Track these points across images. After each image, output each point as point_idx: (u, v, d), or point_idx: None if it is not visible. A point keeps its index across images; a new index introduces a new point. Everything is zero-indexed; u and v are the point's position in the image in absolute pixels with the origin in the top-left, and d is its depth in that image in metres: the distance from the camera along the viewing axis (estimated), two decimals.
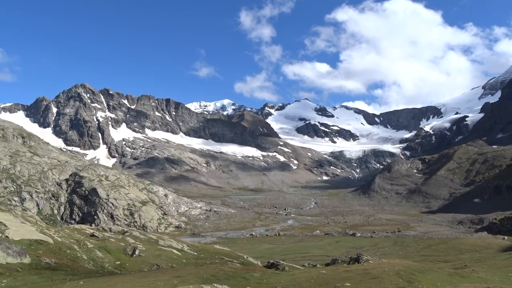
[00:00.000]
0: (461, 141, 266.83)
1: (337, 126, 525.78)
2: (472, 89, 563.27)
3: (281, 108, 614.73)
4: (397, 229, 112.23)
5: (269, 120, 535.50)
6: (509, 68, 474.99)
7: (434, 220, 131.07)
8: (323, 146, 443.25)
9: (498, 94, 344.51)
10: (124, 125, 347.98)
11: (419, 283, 27.11)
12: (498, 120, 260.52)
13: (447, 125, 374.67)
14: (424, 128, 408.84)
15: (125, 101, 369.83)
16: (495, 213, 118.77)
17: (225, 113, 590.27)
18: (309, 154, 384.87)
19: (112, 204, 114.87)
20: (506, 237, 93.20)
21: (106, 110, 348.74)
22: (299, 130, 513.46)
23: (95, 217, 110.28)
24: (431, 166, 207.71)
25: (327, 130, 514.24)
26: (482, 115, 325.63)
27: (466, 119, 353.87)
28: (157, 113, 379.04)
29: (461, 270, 33.87)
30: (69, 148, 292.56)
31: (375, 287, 25.55)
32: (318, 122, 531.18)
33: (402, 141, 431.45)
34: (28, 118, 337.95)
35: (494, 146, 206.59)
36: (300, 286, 28.43)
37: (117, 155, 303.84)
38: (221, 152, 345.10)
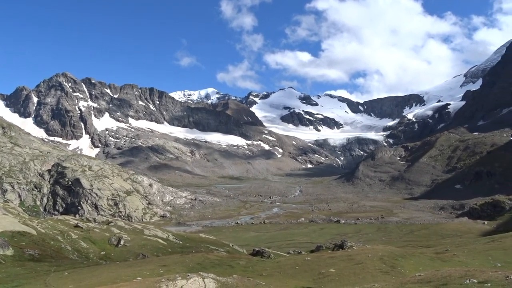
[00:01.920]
0: (443, 129, 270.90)
1: (321, 114, 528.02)
2: (454, 77, 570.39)
3: (266, 96, 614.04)
4: (380, 216, 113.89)
5: (254, 108, 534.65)
6: (490, 56, 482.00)
7: (417, 206, 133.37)
8: (307, 134, 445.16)
9: (480, 82, 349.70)
10: (107, 114, 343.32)
11: (401, 267, 27.62)
12: (479, 107, 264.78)
13: (430, 112, 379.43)
14: (407, 116, 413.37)
15: (108, 90, 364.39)
16: (475, 198, 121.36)
17: (209, 102, 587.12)
18: (293, 142, 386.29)
19: (96, 194, 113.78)
20: (486, 222, 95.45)
21: (89, 100, 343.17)
22: (284, 119, 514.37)
23: (79, 207, 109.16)
24: (414, 154, 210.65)
25: (312, 119, 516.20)
26: (463, 102, 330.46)
27: (448, 106, 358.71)
28: (140, 102, 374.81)
29: (443, 255, 34.60)
30: (51, 138, 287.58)
31: (359, 273, 25.95)
32: (303, 111, 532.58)
33: (385, 129, 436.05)
34: (8, 108, 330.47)
35: (475, 133, 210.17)
36: (285, 273, 28.71)
37: (100, 145, 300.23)
38: (205, 141, 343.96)
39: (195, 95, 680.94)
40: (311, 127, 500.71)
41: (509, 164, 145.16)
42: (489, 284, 13.46)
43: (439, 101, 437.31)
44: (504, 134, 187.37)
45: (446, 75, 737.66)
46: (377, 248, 36.21)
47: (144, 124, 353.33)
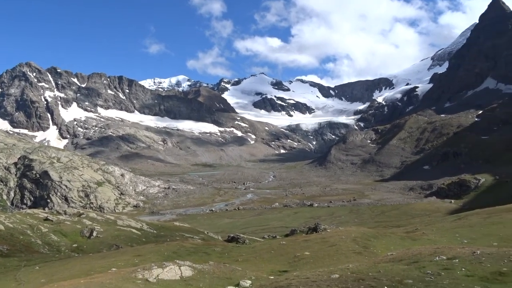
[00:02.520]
0: (412, 111, 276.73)
1: (293, 100, 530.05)
2: (422, 60, 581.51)
3: (237, 83, 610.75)
4: (352, 198, 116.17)
5: (226, 95, 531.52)
6: (456, 39, 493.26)
7: (387, 187, 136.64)
8: (280, 120, 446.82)
9: (446, 65, 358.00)
10: (74, 104, 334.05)
11: (374, 247, 28.32)
12: (446, 90, 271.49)
13: (399, 96, 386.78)
14: (377, 100, 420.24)
15: (75, 80, 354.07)
16: (443, 178, 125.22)
17: (180, 89, 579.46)
18: (266, 128, 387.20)
19: (66, 186, 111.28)
20: (453, 201, 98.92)
21: (55, 90, 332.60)
22: (256, 105, 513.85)
23: (48, 200, 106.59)
24: (384, 136, 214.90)
25: (284, 104, 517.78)
26: (431, 85, 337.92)
27: (416, 89, 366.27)
28: (109, 91, 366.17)
29: (412, 234, 35.64)
30: (16, 130, 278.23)
31: (333, 254, 26.45)
32: (275, 96, 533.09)
33: (356, 112, 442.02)
34: None
35: (442, 115, 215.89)
36: (261, 257, 28.98)
37: (68, 136, 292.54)
38: (177, 129, 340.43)
39: (166, 83, 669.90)
40: (283, 112, 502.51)
41: (474, 145, 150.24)
42: (457, 260, 13.95)
43: (407, 84, 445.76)
44: (469, 116, 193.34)
45: (414, 59, 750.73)
46: (350, 229, 36.96)
47: (114, 113, 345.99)
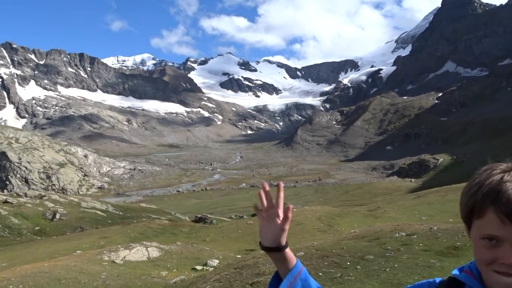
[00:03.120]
0: (376, 93, 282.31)
1: (260, 80, 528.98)
2: (386, 43, 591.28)
3: (204, 62, 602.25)
4: (318, 178, 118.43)
5: (192, 75, 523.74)
6: (419, 22, 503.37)
7: (352, 167, 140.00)
8: (247, 100, 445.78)
9: (409, 48, 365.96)
10: (33, 82, 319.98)
11: (338, 226, 29.18)
12: (409, 72, 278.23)
13: (363, 78, 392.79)
14: (343, 81, 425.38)
15: (32, 56, 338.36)
16: (404, 158, 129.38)
17: (145, 68, 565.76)
18: (233, 108, 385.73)
19: (26, 168, 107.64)
20: (413, 180, 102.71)
21: (11, 66, 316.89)
22: (223, 85, 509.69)
23: (7, 182, 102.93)
24: (349, 118, 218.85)
25: (251, 85, 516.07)
26: (394, 68, 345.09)
27: (381, 72, 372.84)
28: (70, 69, 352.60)
29: (375, 212, 36.87)
30: None
31: (299, 233, 27.09)
32: (242, 77, 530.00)
33: (322, 94, 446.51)
34: None
35: (404, 97, 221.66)
36: (228, 237, 29.34)
37: (27, 115, 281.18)
38: (142, 109, 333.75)
39: (130, 61, 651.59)
40: (251, 93, 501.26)
41: (434, 126, 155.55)
42: (415, 236, 14.65)
43: (372, 66, 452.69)
44: (430, 98, 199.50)
45: (379, 41, 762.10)
46: (315, 209, 37.85)
47: (75, 92, 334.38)
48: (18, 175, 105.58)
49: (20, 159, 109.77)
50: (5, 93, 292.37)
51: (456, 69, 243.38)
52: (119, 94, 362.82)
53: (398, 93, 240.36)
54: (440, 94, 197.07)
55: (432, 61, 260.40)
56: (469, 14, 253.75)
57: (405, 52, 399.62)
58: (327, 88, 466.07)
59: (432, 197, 43.44)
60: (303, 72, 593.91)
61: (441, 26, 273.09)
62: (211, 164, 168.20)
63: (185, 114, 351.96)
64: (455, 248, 12.31)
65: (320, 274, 10.45)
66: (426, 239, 14.05)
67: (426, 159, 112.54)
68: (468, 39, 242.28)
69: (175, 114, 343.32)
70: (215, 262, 18.97)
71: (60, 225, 46.64)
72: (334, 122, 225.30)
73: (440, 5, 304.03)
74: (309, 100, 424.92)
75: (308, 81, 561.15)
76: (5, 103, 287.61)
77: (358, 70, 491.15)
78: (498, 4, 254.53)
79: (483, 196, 1.46)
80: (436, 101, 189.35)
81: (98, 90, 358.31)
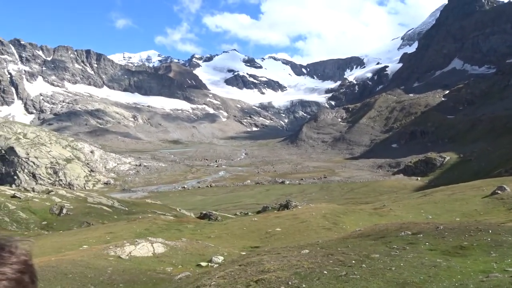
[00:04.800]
0: (382, 90, 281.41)
1: (265, 77, 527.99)
2: (392, 39, 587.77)
3: (209, 59, 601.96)
4: (323, 176, 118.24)
5: (197, 71, 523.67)
6: (426, 19, 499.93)
7: (357, 165, 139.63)
8: (252, 97, 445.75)
9: (416, 45, 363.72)
10: (40, 78, 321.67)
11: (343, 224, 29.15)
12: (415, 69, 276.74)
13: (369, 75, 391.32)
14: (348, 78, 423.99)
15: (40, 52, 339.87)
16: (410, 156, 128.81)
17: (150, 65, 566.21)
18: (238, 105, 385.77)
19: (33, 163, 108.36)
20: (419, 178, 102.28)
21: (19, 63, 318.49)
22: (228, 82, 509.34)
23: (15, 177, 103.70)
24: (354, 115, 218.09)
25: (256, 81, 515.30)
26: (400, 65, 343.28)
27: (386, 69, 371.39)
28: (77, 65, 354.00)
29: (380, 210, 36.80)
30: None
31: (304, 230, 27.09)
32: (247, 74, 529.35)
33: (327, 91, 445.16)
34: None
35: (410, 95, 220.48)
36: (233, 234, 29.37)
37: (35, 111, 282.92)
38: (148, 105, 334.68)
39: (136, 58, 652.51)
40: (256, 90, 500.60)
41: (440, 124, 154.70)
42: (421, 235, 14.60)
43: (378, 63, 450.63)
44: (436, 95, 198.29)
45: (384, 38, 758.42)
46: (320, 206, 37.83)
47: (81, 88, 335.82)
48: (26, 170, 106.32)
49: (28, 154, 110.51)
50: (13, 89, 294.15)
51: (463, 67, 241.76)
52: (125, 90, 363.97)
53: (404, 91, 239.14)
54: (447, 92, 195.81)
55: (438, 58, 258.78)
56: (476, 11, 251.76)
57: (411, 49, 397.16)
58: (332, 85, 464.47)
59: (439, 196, 43.24)
60: (308, 69, 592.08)
61: (448, 23, 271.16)
62: (216, 161, 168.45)
63: (190, 110, 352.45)
64: (462, 247, 12.25)
65: (325, 272, 10.44)
66: (432, 238, 14.00)
67: (433, 157, 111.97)
68: (476, 36, 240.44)
69: (180, 111, 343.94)
70: (219, 259, 19.02)
71: (66, 220, 46.94)
72: (340, 120, 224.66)
73: (447, 2, 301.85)
74: (314, 97, 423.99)
75: (313, 78, 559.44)
76: (14, 99, 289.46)
77: (364, 67, 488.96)
78: (506, 1, 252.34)
79: None
80: (442, 99, 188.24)
81: (104, 86, 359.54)
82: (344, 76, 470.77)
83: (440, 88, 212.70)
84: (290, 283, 9.82)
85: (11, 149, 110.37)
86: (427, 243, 13.24)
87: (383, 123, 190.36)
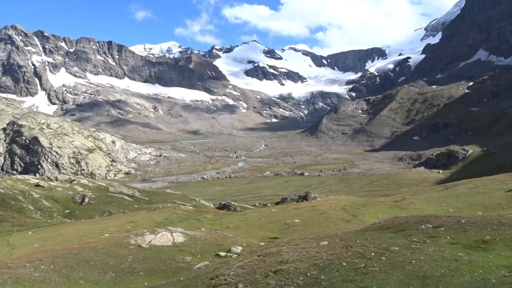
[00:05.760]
0: (404, 82, 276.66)
1: (286, 68, 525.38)
2: (415, 30, 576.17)
3: (229, 50, 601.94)
4: (342, 167, 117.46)
5: (217, 62, 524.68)
6: (450, 9, 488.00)
7: (377, 157, 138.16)
8: (271, 88, 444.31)
9: (439, 36, 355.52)
10: (63, 69, 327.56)
11: (362, 216, 28.96)
12: (438, 61, 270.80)
13: (391, 66, 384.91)
14: (369, 70, 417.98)
15: (63, 44, 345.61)
16: (432, 149, 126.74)
17: (171, 56, 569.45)
18: (258, 96, 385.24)
19: (56, 152, 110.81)
20: (441, 171, 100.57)
21: (42, 54, 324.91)
22: (248, 73, 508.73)
23: (39, 166, 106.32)
24: (375, 107, 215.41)
25: (276, 72, 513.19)
26: (423, 56, 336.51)
27: (409, 60, 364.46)
28: (98, 57, 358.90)
29: (400, 203, 36.39)
30: (4, 95, 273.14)
31: (322, 222, 27.02)
32: (267, 65, 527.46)
33: (348, 82, 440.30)
34: None
35: (433, 86, 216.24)
36: (252, 224, 29.51)
37: (58, 102, 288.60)
38: (168, 96, 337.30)
39: (156, 49, 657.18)
40: (275, 81, 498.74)
41: (464, 116, 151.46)
42: (442, 229, 14.38)
43: (400, 54, 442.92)
44: (460, 87, 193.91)
45: (406, 28, 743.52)
46: (340, 198, 37.63)
47: (103, 79, 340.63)
48: (49, 160, 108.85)
49: (51, 144, 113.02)
50: (37, 80, 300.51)
51: (488, 58, 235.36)
52: (145, 81, 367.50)
53: (426, 82, 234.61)
54: (471, 83, 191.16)
55: (463, 49, 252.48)
56: (503, 0, 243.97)
57: (435, 40, 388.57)
58: (353, 76, 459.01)
59: (461, 189, 42.49)
60: (328, 60, 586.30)
61: (473, 13, 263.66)
62: (235, 152, 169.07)
63: (210, 101, 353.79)
64: (484, 242, 12.02)
65: (344, 264, 10.40)
66: (454, 231, 13.78)
67: (455, 150, 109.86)
68: (502, 26, 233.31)
69: (200, 102, 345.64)
70: (238, 249, 19.15)
71: (88, 209, 47.94)
72: (360, 111, 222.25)
73: None
74: (334, 89, 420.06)
75: (334, 69, 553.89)
76: (37, 90, 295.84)
77: (386, 58, 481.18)
78: None
79: None
80: (466, 91, 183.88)
81: (125, 77, 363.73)
82: (365, 67, 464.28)
83: (464, 79, 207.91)
84: (308, 274, 9.82)
85: (35, 139, 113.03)
86: (448, 237, 13.04)
87: (405, 115, 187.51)
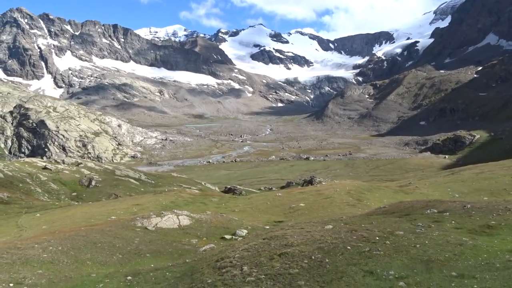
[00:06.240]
0: (411, 66, 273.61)
1: (292, 52, 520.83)
2: (424, 14, 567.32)
3: (235, 34, 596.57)
4: (348, 152, 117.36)
5: (223, 46, 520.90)
6: None
7: (383, 142, 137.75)
8: (277, 73, 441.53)
9: (449, 19, 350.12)
10: (69, 53, 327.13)
11: (367, 200, 29.00)
12: (447, 45, 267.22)
13: (399, 50, 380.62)
14: (376, 54, 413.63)
15: (68, 27, 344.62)
16: (438, 134, 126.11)
17: (176, 39, 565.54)
18: (263, 81, 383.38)
19: (63, 136, 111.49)
20: (447, 156, 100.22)
21: (48, 37, 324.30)
22: (254, 57, 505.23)
23: (46, 149, 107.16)
24: (382, 91, 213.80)
25: (282, 57, 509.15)
26: (432, 40, 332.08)
27: (417, 44, 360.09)
28: (104, 40, 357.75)
29: (406, 188, 36.36)
30: (10, 78, 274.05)
31: (327, 206, 27.10)
32: (273, 48, 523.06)
33: (355, 67, 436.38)
34: None
35: (441, 71, 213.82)
36: (257, 208, 29.67)
37: (64, 85, 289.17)
38: (174, 80, 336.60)
39: (162, 33, 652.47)
40: (282, 65, 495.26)
41: (472, 101, 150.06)
42: (447, 213, 14.37)
43: (408, 38, 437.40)
44: (468, 72, 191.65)
45: (416, 12, 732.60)
46: (345, 182, 37.66)
47: (109, 62, 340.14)
48: (56, 143, 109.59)
49: (58, 127, 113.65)
50: (43, 64, 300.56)
51: (498, 42, 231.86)
52: (151, 65, 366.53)
53: (434, 67, 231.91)
54: (480, 68, 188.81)
55: (472, 33, 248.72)
56: None
57: (444, 23, 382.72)
58: (360, 61, 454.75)
59: (466, 175, 42.36)
60: (335, 44, 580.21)
61: None
62: (241, 136, 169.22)
63: (216, 85, 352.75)
64: (489, 227, 12.02)
65: (349, 247, 10.46)
66: (459, 216, 13.77)
67: (462, 135, 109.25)
68: None
69: (205, 85, 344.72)
70: (243, 232, 19.30)
71: (95, 192, 48.42)
72: (367, 96, 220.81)
73: None
74: (341, 73, 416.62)
75: (341, 53, 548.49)
76: (43, 73, 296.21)
77: (393, 42, 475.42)
78: None
79: None
80: (475, 75, 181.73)
81: (131, 61, 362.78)
82: (373, 52, 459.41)
83: (472, 64, 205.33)
84: (313, 257, 9.89)
85: (42, 122, 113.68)
86: (453, 222, 13.04)
87: (412, 100, 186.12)
